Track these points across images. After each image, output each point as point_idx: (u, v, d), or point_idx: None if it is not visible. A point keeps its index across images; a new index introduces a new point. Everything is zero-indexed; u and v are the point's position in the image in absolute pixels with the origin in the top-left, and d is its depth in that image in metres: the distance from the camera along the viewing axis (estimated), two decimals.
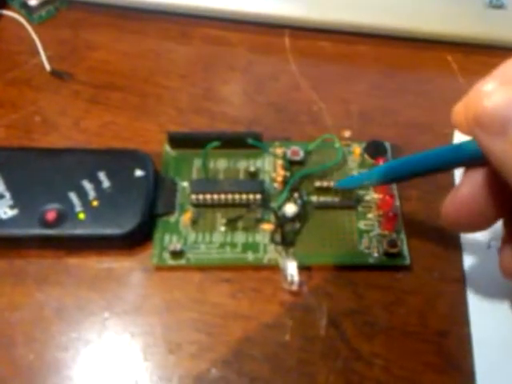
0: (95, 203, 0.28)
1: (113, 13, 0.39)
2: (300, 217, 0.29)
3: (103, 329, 0.26)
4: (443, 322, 0.27)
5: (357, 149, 0.31)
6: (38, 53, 0.36)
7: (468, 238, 0.29)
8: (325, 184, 0.30)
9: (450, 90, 0.36)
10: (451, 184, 0.31)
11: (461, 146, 0.23)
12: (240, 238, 0.28)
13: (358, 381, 0.25)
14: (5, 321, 0.26)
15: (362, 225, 0.29)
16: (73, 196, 0.28)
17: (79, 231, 0.27)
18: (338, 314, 0.27)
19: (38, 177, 0.29)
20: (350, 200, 0.30)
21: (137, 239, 0.28)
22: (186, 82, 0.36)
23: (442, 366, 0.26)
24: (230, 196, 0.29)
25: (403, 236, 0.29)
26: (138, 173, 0.29)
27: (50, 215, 0.28)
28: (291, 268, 0.27)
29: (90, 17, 0.39)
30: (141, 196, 0.28)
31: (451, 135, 0.33)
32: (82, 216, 0.28)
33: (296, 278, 0.27)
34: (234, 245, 0.28)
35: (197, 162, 0.31)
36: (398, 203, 0.30)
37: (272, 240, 0.28)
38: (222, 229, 0.29)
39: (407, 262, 0.28)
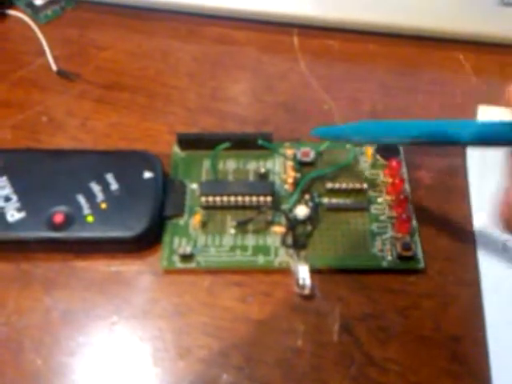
0: (103, 206, 0.28)
1: (120, 12, 0.39)
2: (311, 219, 0.28)
3: (111, 333, 0.26)
4: (458, 326, 0.26)
5: (368, 149, 0.31)
6: (44, 53, 0.36)
7: (483, 239, 0.28)
8: (336, 185, 0.29)
9: (461, 89, 0.35)
10: (466, 186, 0.30)
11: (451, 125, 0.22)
12: (250, 240, 0.28)
13: None
14: (12, 325, 0.26)
15: (374, 227, 0.28)
16: (81, 198, 0.28)
17: (87, 234, 0.27)
18: (351, 318, 0.26)
19: (45, 179, 0.28)
20: (362, 202, 0.29)
21: (146, 242, 0.28)
22: (195, 81, 0.35)
23: (458, 371, 0.25)
24: (239, 198, 0.28)
25: (417, 239, 0.28)
26: (147, 174, 0.29)
27: (58, 218, 0.27)
28: (303, 271, 0.26)
29: (96, 16, 0.39)
30: (149, 198, 0.28)
31: None
32: (90, 219, 0.27)
33: (308, 281, 0.26)
34: (244, 248, 0.28)
35: (206, 164, 0.30)
36: (410, 205, 0.29)
37: (283, 243, 0.28)
38: (232, 231, 0.28)
39: (421, 265, 0.27)
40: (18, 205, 0.27)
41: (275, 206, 0.29)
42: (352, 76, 0.36)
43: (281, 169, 0.30)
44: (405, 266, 0.27)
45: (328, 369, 0.25)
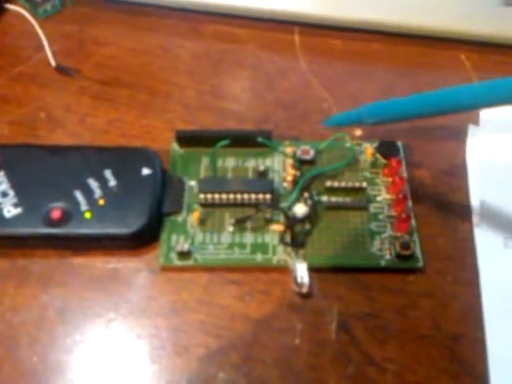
0: (101, 202, 0.27)
1: (120, 8, 0.39)
2: (310, 217, 0.28)
3: (108, 331, 0.26)
4: (457, 325, 0.26)
5: (368, 148, 0.31)
6: (42, 48, 0.35)
7: (483, 238, 0.28)
8: (336, 184, 0.29)
9: None
10: (465, 185, 0.30)
11: (457, 91, 0.22)
12: (249, 238, 0.28)
13: None
14: (8, 322, 0.26)
15: (373, 226, 0.28)
16: (78, 194, 0.28)
17: (84, 230, 0.27)
18: (349, 317, 0.26)
19: (42, 175, 0.28)
20: (361, 201, 0.29)
21: (143, 239, 0.28)
22: (195, 79, 0.35)
23: (456, 370, 0.25)
24: (238, 196, 0.28)
25: (416, 238, 0.28)
26: (145, 171, 0.29)
27: (55, 214, 0.27)
28: (301, 270, 0.26)
29: (96, 12, 0.39)
30: (148, 195, 0.28)
31: (464, 135, 0.32)
32: (87, 215, 0.27)
33: (306, 280, 0.26)
34: (242, 245, 0.28)
35: (205, 161, 0.30)
36: (410, 204, 0.29)
37: (281, 241, 0.27)
38: (231, 229, 0.28)
39: (420, 264, 0.27)
40: (14, 200, 0.27)
41: (274, 203, 0.28)
42: (353, 75, 0.36)
43: (280, 167, 0.30)
44: (403, 265, 0.27)
45: (325, 368, 0.25)
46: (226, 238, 0.28)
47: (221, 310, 0.26)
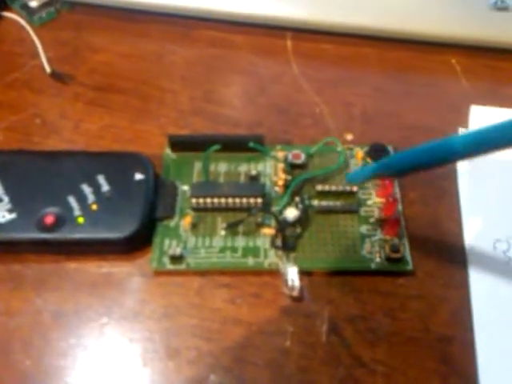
0: (94, 207, 0.28)
1: (114, 14, 0.39)
2: (301, 221, 0.28)
3: (102, 335, 0.26)
4: (447, 327, 0.26)
5: (359, 152, 0.31)
6: (38, 54, 0.36)
7: (473, 240, 0.29)
8: (326, 188, 0.29)
9: (453, 93, 0.35)
10: (455, 188, 0.30)
11: (479, 133, 0.22)
12: (240, 242, 0.28)
13: None
14: (2, 326, 0.26)
15: (363, 229, 0.28)
16: (72, 200, 0.28)
17: (78, 235, 0.27)
18: (340, 319, 0.26)
19: (36, 180, 0.28)
20: (351, 204, 0.29)
21: (136, 243, 0.28)
22: (188, 84, 0.35)
23: (446, 372, 0.25)
24: (230, 200, 0.28)
25: (406, 241, 0.28)
26: (138, 176, 0.29)
27: (49, 219, 0.27)
28: (292, 273, 0.27)
29: (91, 18, 0.39)
30: (140, 200, 0.28)
31: None
32: (80, 220, 0.27)
33: (297, 283, 0.26)
34: (234, 249, 0.28)
35: (197, 165, 0.31)
36: (400, 207, 0.29)
37: (273, 244, 0.28)
38: (223, 233, 0.28)
39: (410, 267, 0.27)
40: (9, 206, 0.27)
41: (265, 207, 0.29)
42: (345, 80, 0.36)
43: (272, 171, 0.31)
44: (393, 268, 0.27)
45: (316, 370, 0.25)
46: (217, 242, 0.28)
47: (213, 313, 0.26)
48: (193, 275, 0.27)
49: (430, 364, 0.25)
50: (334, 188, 0.29)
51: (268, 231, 0.28)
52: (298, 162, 0.30)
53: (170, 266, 0.27)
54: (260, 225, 0.28)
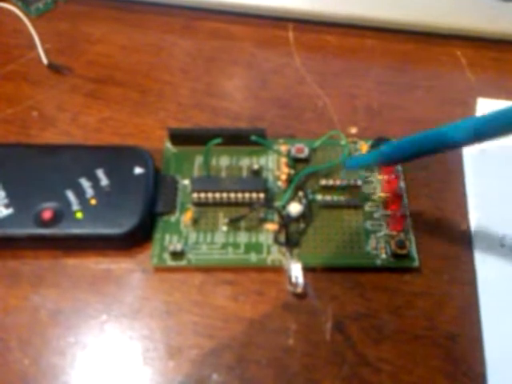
0: (93, 202, 0.27)
1: (112, 5, 0.38)
2: (305, 216, 0.28)
3: (101, 332, 0.25)
4: (453, 325, 0.26)
5: (363, 146, 0.30)
6: (35, 46, 0.35)
7: (480, 236, 0.28)
8: (330, 182, 0.29)
9: (458, 85, 0.35)
10: (462, 183, 0.30)
11: (467, 122, 0.22)
12: (243, 238, 0.28)
13: None
14: None
15: (368, 225, 0.28)
16: (70, 194, 0.27)
17: (76, 231, 0.27)
18: (344, 317, 0.26)
19: (34, 174, 0.28)
20: (356, 199, 0.29)
21: (136, 239, 0.27)
22: (188, 76, 0.35)
23: (452, 371, 0.25)
24: (232, 195, 0.28)
25: (412, 236, 0.28)
26: (138, 170, 0.28)
27: (47, 214, 0.27)
28: (295, 269, 0.26)
29: (88, 9, 0.38)
30: (140, 194, 0.28)
31: None
32: (79, 215, 0.27)
33: (300, 279, 0.26)
34: (236, 245, 0.27)
35: (198, 159, 0.30)
36: (406, 202, 0.29)
37: (276, 240, 0.27)
38: (224, 229, 0.28)
39: (416, 263, 0.27)
40: (6, 201, 0.27)
41: (268, 202, 0.28)
42: (348, 72, 0.35)
43: (274, 165, 0.30)
44: (399, 264, 0.27)
45: (320, 368, 0.24)
46: (219, 237, 0.28)
47: (214, 310, 0.26)
48: (194, 272, 0.27)
49: (437, 362, 0.25)
50: (338, 182, 0.29)
51: (271, 227, 0.28)
52: (302, 155, 0.30)
53: (170, 263, 0.27)
54: (263, 220, 0.28)
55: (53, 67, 0.34)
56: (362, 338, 0.25)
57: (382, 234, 0.28)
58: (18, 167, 0.28)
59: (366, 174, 0.30)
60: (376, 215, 0.28)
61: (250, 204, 0.28)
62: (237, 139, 0.30)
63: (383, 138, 0.30)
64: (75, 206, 0.27)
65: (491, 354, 0.25)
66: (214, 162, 0.30)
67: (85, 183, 0.28)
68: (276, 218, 0.28)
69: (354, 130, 0.32)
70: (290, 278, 0.26)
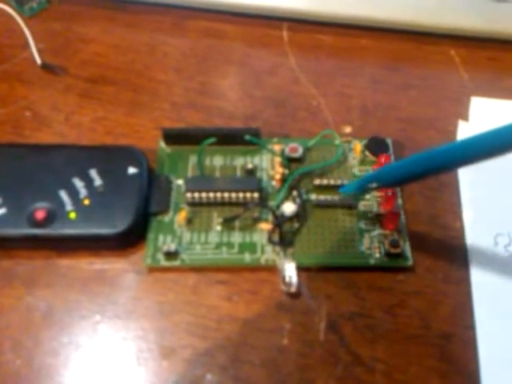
0: (86, 202, 0.27)
1: (105, 5, 0.38)
2: (299, 216, 0.28)
3: (94, 333, 0.25)
4: (447, 324, 0.26)
5: (358, 145, 0.30)
6: (28, 46, 0.35)
7: (474, 235, 0.28)
8: (324, 182, 0.29)
9: (452, 85, 0.35)
10: (455, 180, 0.30)
11: (467, 142, 0.22)
12: (237, 238, 0.27)
13: None
14: None
15: (362, 224, 0.28)
16: (63, 194, 0.27)
17: (70, 231, 0.26)
18: (338, 316, 0.26)
19: (27, 174, 0.28)
20: (350, 198, 0.29)
21: (130, 239, 0.27)
22: (182, 76, 0.35)
23: (446, 370, 0.25)
24: (226, 194, 0.28)
25: (405, 236, 0.28)
26: (132, 170, 0.28)
27: (40, 214, 0.27)
28: (289, 269, 0.26)
29: (82, 9, 0.38)
30: (134, 194, 0.27)
31: (454, 131, 0.32)
32: (72, 215, 0.27)
33: (294, 279, 0.26)
34: (230, 245, 0.27)
35: (192, 159, 0.30)
36: (400, 201, 0.29)
37: (270, 240, 0.27)
38: (218, 228, 0.28)
39: (410, 262, 0.27)
40: None
41: (262, 202, 0.28)
42: (342, 71, 0.35)
43: (268, 165, 0.30)
44: (393, 263, 0.27)
45: (314, 368, 0.24)
46: (213, 237, 0.27)
47: (208, 310, 0.26)
48: (188, 272, 0.27)
49: (431, 362, 0.25)
50: (332, 182, 0.29)
51: (265, 226, 0.27)
52: (295, 155, 0.30)
53: (164, 263, 0.27)
54: (257, 220, 0.28)
55: (46, 67, 0.34)
56: (356, 338, 0.25)
57: (375, 233, 0.28)
58: (11, 167, 0.28)
59: (360, 173, 0.30)
60: (370, 214, 0.28)
61: (244, 204, 0.28)
62: (231, 139, 0.30)
63: (377, 137, 0.30)
64: (68, 206, 0.27)
65: (485, 353, 0.25)
66: (207, 161, 0.30)
67: (78, 183, 0.28)
68: (270, 217, 0.28)
69: (348, 130, 0.32)
70: (283, 277, 0.26)
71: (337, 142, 0.30)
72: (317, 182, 0.29)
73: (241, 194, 0.28)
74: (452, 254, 0.28)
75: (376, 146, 0.30)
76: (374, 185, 0.26)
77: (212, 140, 0.29)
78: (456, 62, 0.36)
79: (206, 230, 0.28)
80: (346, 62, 0.36)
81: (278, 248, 0.27)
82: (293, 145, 0.30)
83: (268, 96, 0.34)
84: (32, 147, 0.29)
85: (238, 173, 0.30)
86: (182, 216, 0.28)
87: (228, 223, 0.28)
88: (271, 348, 0.25)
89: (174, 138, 0.30)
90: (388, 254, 0.27)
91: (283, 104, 0.33)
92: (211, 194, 0.28)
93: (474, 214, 0.29)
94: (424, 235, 0.28)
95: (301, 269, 0.26)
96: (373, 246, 0.27)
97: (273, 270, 0.27)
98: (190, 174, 0.29)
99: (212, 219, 0.28)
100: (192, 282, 0.27)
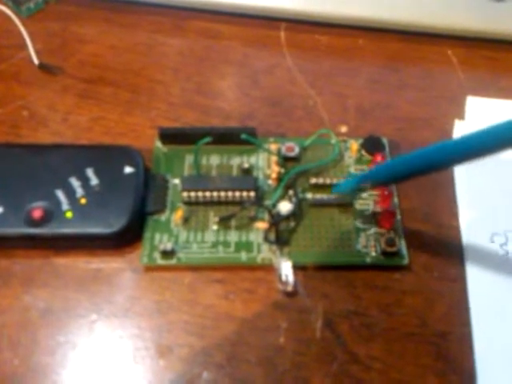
0: (83, 201, 0.27)
1: (103, 5, 0.38)
2: (295, 215, 0.28)
3: (91, 332, 0.25)
4: (443, 322, 0.26)
5: (354, 145, 0.30)
6: (26, 46, 0.35)
7: (470, 233, 0.28)
8: (320, 181, 0.29)
9: (449, 84, 0.35)
10: (451, 179, 0.30)
11: (462, 140, 0.22)
12: (233, 236, 0.27)
13: None
14: None
15: (358, 223, 0.28)
16: (60, 194, 0.27)
17: (66, 230, 0.26)
18: (334, 315, 0.26)
19: (23, 174, 0.28)
20: (346, 197, 0.29)
21: (126, 238, 0.27)
22: (179, 76, 0.35)
23: (442, 368, 0.25)
24: (222, 193, 0.28)
25: (401, 234, 0.28)
26: (128, 169, 0.28)
27: (37, 213, 0.27)
28: (286, 268, 0.26)
29: (79, 9, 0.38)
30: (130, 194, 0.27)
31: (451, 131, 0.32)
32: (69, 214, 0.27)
33: (291, 278, 0.26)
34: (226, 244, 0.27)
35: (189, 158, 0.30)
36: (396, 200, 0.29)
37: (266, 239, 0.27)
38: (215, 227, 0.28)
39: (406, 261, 0.27)
40: None
41: (258, 201, 0.28)
42: (339, 71, 0.35)
43: (264, 164, 0.30)
44: (389, 262, 0.27)
45: (310, 366, 0.24)
46: (210, 236, 0.28)
47: (205, 309, 0.26)
48: (184, 271, 0.27)
49: (427, 360, 0.25)
50: (328, 181, 0.29)
51: (261, 225, 0.28)
52: (292, 154, 0.30)
53: (160, 262, 0.27)
54: (253, 219, 0.28)
55: (44, 67, 0.34)
56: (352, 336, 0.25)
57: (371, 231, 0.28)
58: (7, 167, 0.28)
59: (356, 172, 0.30)
60: (366, 213, 0.28)
61: (240, 203, 0.28)
62: (227, 138, 0.30)
63: (373, 136, 0.30)
64: (65, 205, 0.27)
65: (481, 351, 0.25)
66: (204, 160, 0.30)
67: (75, 183, 0.28)
68: (266, 216, 0.28)
69: (344, 129, 0.32)
70: (280, 276, 0.26)
71: (333, 141, 0.31)
72: (313, 181, 0.29)
73: (237, 193, 0.28)
74: (448, 253, 0.28)
75: (372, 145, 0.30)
76: (368, 184, 0.26)
77: (208, 139, 0.29)
78: (453, 61, 0.36)
79: (202, 229, 0.28)
80: (342, 62, 0.36)
81: (274, 247, 0.27)
82: (289, 144, 0.30)
83: (265, 96, 0.34)
84: (29, 147, 0.29)
85: (235, 172, 0.30)
86: (178, 215, 0.28)
87: (224, 222, 0.28)
88: (268, 346, 0.25)
89: (170, 137, 0.30)
90: (384, 253, 0.27)
91: (280, 103, 0.33)
92: (207, 193, 0.28)
93: (471, 213, 0.29)
94: (420, 234, 0.28)
95: (297, 267, 0.26)
96: (369, 244, 0.27)
97: (269, 268, 0.27)
98: (186, 173, 0.30)
99: (208, 218, 0.28)
100: (188, 280, 0.27)
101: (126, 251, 0.27)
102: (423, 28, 0.37)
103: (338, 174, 0.29)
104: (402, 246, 0.27)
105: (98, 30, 0.37)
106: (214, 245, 0.27)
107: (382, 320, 0.26)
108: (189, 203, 0.28)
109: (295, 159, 0.30)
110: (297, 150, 0.30)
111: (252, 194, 0.28)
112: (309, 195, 0.29)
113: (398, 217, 0.28)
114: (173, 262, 0.27)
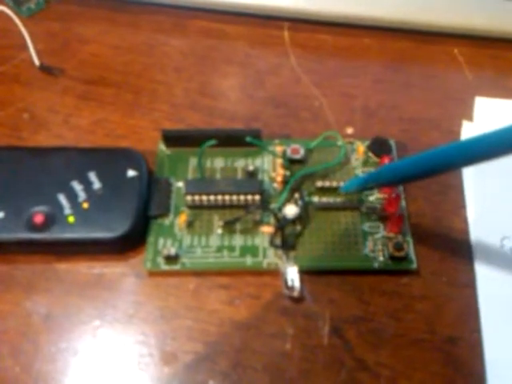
0: (85, 205, 0.27)
1: (104, 5, 0.38)
2: (301, 218, 0.27)
3: (94, 338, 0.25)
4: (453, 328, 0.25)
5: (360, 146, 0.30)
6: (26, 47, 0.34)
7: (479, 237, 0.28)
8: (327, 184, 0.28)
9: (456, 84, 0.34)
10: (460, 183, 0.29)
11: (471, 142, 0.21)
12: (238, 241, 0.27)
13: None
14: None
15: (366, 227, 0.27)
16: (62, 198, 0.27)
17: (68, 235, 0.26)
18: (342, 321, 0.25)
19: (25, 178, 0.27)
20: (353, 201, 0.28)
21: (129, 243, 0.27)
22: (182, 76, 0.34)
23: (452, 375, 0.24)
24: (227, 197, 0.27)
25: (410, 238, 0.27)
26: (131, 173, 0.28)
27: (38, 218, 0.26)
28: (292, 273, 0.26)
29: (80, 9, 0.38)
30: (133, 197, 0.27)
31: (458, 132, 0.32)
32: (71, 219, 0.26)
33: (297, 283, 0.26)
34: (231, 248, 0.27)
35: (192, 161, 0.30)
36: (404, 203, 0.28)
37: (272, 243, 0.27)
38: (219, 231, 0.27)
39: (414, 266, 0.26)
40: None
41: (264, 205, 0.28)
42: (344, 71, 0.35)
43: (270, 166, 0.29)
44: (397, 266, 0.26)
45: (317, 373, 0.24)
46: (214, 240, 0.27)
47: (210, 315, 0.26)
48: (189, 276, 0.26)
49: (436, 367, 0.24)
50: (334, 184, 0.28)
51: (267, 229, 0.27)
52: (297, 156, 0.29)
53: (164, 267, 0.26)
54: (258, 223, 0.27)
55: (44, 68, 0.34)
56: (360, 343, 0.25)
57: (379, 236, 0.27)
58: (8, 170, 0.28)
59: (362, 174, 0.29)
60: (373, 217, 0.28)
61: (245, 206, 0.28)
62: (232, 140, 0.29)
63: (380, 138, 0.30)
64: (67, 209, 0.27)
65: (491, 357, 0.24)
66: (208, 163, 0.30)
67: (77, 186, 0.27)
68: (272, 220, 0.27)
69: (350, 131, 0.31)
70: (286, 281, 0.26)
71: (339, 143, 0.30)
72: (319, 183, 0.28)
73: (242, 197, 0.27)
74: (457, 257, 0.27)
75: (379, 146, 0.30)
76: (375, 183, 0.26)
77: (213, 142, 0.28)
78: (460, 61, 0.35)
79: (206, 234, 0.27)
80: (348, 62, 0.36)
81: (280, 251, 0.27)
82: (294, 146, 0.30)
83: (269, 97, 0.33)
84: (30, 150, 0.29)
85: (239, 175, 0.29)
86: (182, 219, 0.27)
87: (229, 226, 0.27)
88: (274, 353, 0.25)
89: (173, 139, 0.30)
90: (392, 258, 0.26)
91: (284, 105, 0.33)
92: (212, 197, 0.27)
93: (480, 217, 0.28)
94: (428, 238, 0.28)
95: (303, 272, 0.26)
96: (376, 249, 0.27)
97: (275, 273, 0.26)
98: (190, 176, 0.29)
99: (213, 222, 0.28)
100: (193, 286, 0.26)
101: (130, 256, 0.27)
102: (429, 27, 0.36)
103: (345, 176, 0.29)
104: (411, 250, 0.27)
105: (99, 29, 0.37)
106: (219, 249, 0.27)
107: (390, 326, 0.25)
108: (193, 207, 0.28)
109: (301, 161, 0.29)
110: (302, 152, 0.29)
111: (257, 197, 0.27)
112: (315, 198, 0.28)
113: (406, 220, 0.28)
114: (177, 267, 0.26)
